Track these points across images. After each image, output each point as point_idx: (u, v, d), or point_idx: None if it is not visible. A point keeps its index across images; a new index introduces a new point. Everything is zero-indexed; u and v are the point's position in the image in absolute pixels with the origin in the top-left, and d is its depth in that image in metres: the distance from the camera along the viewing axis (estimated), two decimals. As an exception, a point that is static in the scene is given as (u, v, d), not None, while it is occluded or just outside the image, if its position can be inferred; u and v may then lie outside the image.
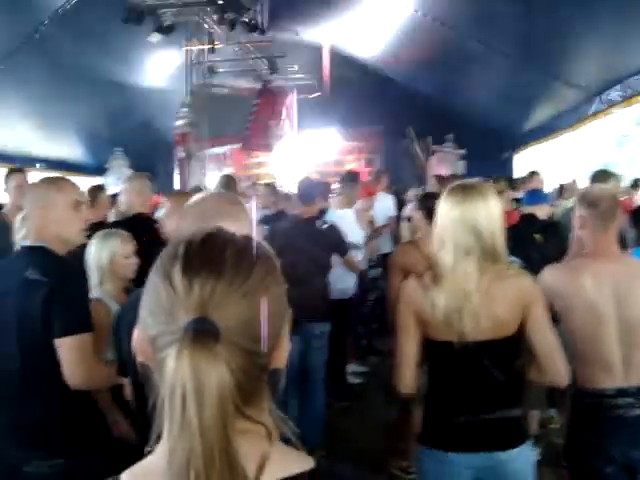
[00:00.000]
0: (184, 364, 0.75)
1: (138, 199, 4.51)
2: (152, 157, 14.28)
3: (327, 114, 12.06)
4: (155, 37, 9.92)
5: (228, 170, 13.23)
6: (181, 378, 0.75)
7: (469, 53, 9.82)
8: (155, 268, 0.87)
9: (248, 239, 0.91)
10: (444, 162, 12.02)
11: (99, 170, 14.43)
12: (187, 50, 11.26)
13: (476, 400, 2.31)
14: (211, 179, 11.32)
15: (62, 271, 2.40)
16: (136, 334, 0.87)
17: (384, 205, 7.18)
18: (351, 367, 6.36)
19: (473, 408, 2.30)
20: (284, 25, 11.11)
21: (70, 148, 14.10)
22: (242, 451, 0.77)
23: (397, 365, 2.39)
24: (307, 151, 12.76)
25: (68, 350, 2.26)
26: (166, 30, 9.94)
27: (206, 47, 10.91)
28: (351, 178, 6.29)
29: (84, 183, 13.66)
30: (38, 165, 12.96)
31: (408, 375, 2.36)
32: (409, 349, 2.35)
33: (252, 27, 10.05)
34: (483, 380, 2.28)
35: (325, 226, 4.81)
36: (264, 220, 5.77)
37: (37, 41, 9.55)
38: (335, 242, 4.86)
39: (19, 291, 2.35)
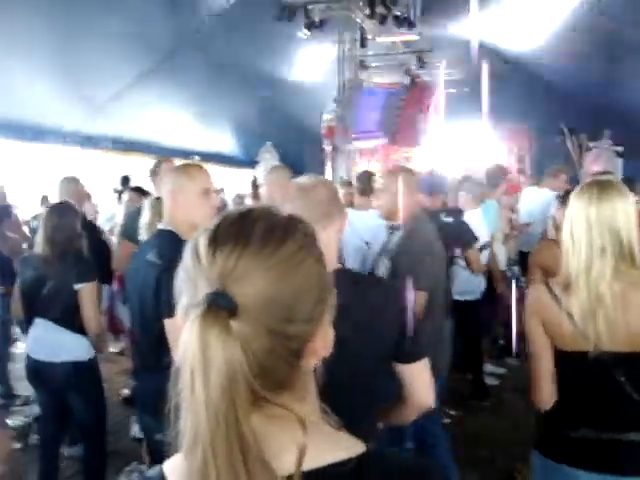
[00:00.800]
0: (193, 337, 0.72)
1: (279, 191, 4.62)
2: (301, 150, 14.65)
3: (475, 109, 11.77)
4: (306, 33, 10.15)
5: (376, 164, 13.30)
6: (190, 351, 0.72)
7: (628, 45, 9.19)
8: (190, 241, 0.85)
9: (291, 217, 0.86)
10: (600, 159, 11.34)
11: (250, 163, 15.00)
12: (338, 45, 11.40)
13: (605, 417, 2.13)
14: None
15: (175, 255, 2.48)
16: (178, 309, 0.85)
17: (535, 202, 6.82)
18: (488, 367, 6.20)
19: (600, 425, 2.12)
20: (433, 19, 10.96)
21: (224, 142, 14.78)
22: (272, 436, 0.75)
23: (534, 380, 2.25)
24: (454, 146, 12.53)
25: (169, 332, 2.35)
26: (317, 25, 10.14)
27: (356, 42, 10.98)
28: (493, 175, 6.07)
29: (237, 175, 14.26)
30: (195, 158, 13.68)
31: (546, 390, 2.21)
32: (545, 363, 2.20)
33: (402, 21, 10.00)
34: (615, 396, 2.10)
35: (449, 219, 4.69)
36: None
37: (195, 40, 10.07)
38: (458, 234, 4.72)
39: (142, 270, 2.52)
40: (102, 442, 3.80)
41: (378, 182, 3.59)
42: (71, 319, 3.49)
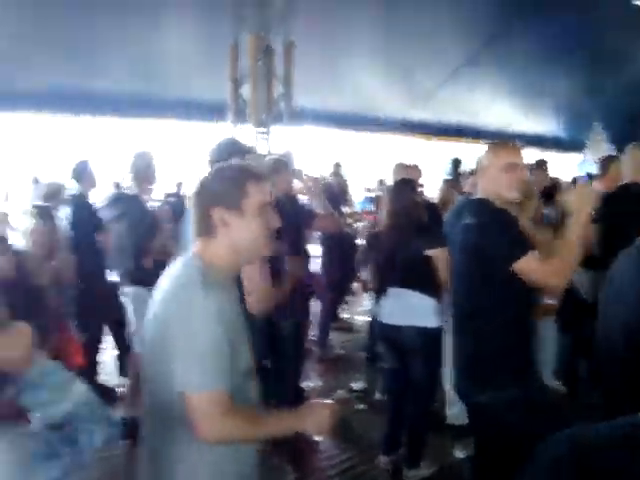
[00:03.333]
0: None
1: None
2: (633, 131, 13.57)
3: None
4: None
5: None
6: None
7: None
8: None
9: None
10: None
11: (575, 146, 14.36)
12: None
13: None
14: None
15: (489, 214, 2.70)
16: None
17: None
18: None
19: None
20: None
21: (547, 124, 14.34)
22: None
23: None
24: None
25: (524, 273, 2.53)
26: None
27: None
28: None
29: (560, 159, 13.66)
30: (517, 142, 13.49)
31: None
32: None
33: None
34: None
35: None
36: None
37: (517, 24, 9.96)
38: None
39: (462, 234, 2.78)
40: (428, 404, 4.06)
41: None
42: (423, 284, 3.83)
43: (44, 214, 3.74)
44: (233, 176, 1.96)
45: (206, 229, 1.93)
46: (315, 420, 1.93)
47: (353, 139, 12.35)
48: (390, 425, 4.15)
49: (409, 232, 3.81)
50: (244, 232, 1.92)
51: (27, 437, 1.44)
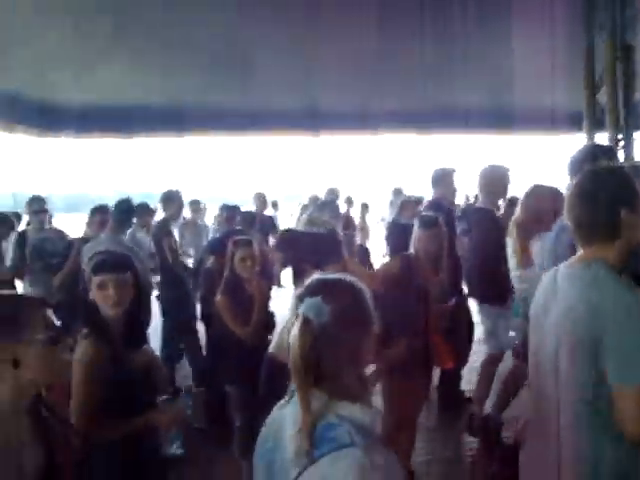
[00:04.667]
0: None
1: None
2: None
3: None
4: None
5: None
6: None
7: None
8: None
9: None
10: None
11: None
12: None
13: None
14: None
15: None
16: None
17: None
18: None
19: None
20: None
21: None
22: None
23: None
24: None
25: None
26: None
27: None
28: None
29: None
30: None
31: None
32: None
33: None
34: None
35: None
36: None
37: None
38: None
39: None
40: None
41: None
42: None
43: (428, 222, 4.07)
44: (629, 178, 2.03)
45: (612, 232, 1.98)
46: None
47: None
48: None
49: None
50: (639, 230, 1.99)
51: None
